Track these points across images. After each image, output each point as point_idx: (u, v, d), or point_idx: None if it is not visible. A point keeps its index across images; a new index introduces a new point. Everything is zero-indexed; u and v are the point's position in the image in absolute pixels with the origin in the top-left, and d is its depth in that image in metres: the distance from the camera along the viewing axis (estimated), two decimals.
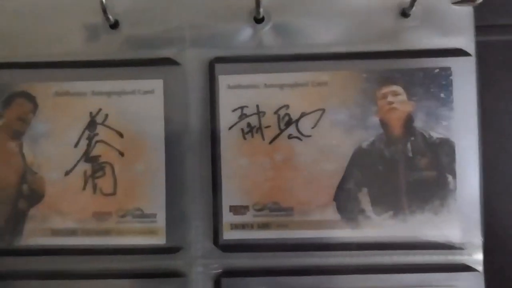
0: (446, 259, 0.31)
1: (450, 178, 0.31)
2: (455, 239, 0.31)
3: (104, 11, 0.30)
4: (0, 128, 0.32)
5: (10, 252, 0.31)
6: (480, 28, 0.32)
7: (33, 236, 0.31)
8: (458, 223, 0.31)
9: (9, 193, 0.32)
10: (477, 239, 0.31)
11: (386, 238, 0.31)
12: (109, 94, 0.32)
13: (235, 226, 0.31)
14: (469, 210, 0.31)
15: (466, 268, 0.31)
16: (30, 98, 0.32)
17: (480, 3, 0.31)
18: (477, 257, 0.31)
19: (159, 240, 0.31)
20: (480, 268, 0.31)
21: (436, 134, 0.31)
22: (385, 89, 0.31)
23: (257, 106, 0.32)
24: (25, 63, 0.32)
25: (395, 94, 0.31)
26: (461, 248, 0.31)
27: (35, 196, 0.32)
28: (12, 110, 0.32)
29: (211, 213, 0.31)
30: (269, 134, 0.32)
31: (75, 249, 0.31)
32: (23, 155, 0.32)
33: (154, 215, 0.31)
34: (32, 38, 0.32)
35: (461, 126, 0.31)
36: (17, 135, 0.32)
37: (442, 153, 0.31)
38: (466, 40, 0.31)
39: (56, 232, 0.31)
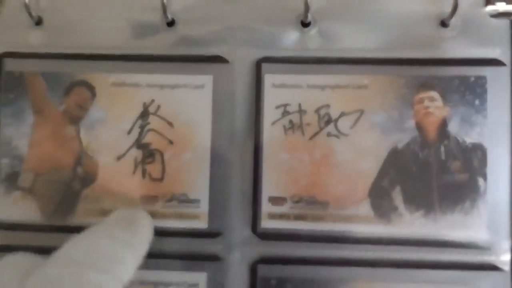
0: (473, 259, 0.32)
1: (481, 181, 0.32)
2: (483, 239, 0.32)
3: (164, 11, 0.33)
4: (60, 113, 0.34)
5: (63, 229, 0.34)
6: None
7: (84, 215, 0.34)
8: (487, 224, 0.32)
9: (65, 174, 0.34)
10: (505, 240, 0.32)
11: (417, 236, 0.32)
12: (162, 86, 0.34)
13: (272, 216, 0.33)
14: (498, 213, 0.32)
15: (493, 267, 0.32)
16: (89, 87, 0.34)
17: None
18: (504, 258, 0.32)
19: (201, 224, 0.33)
20: (506, 268, 0.32)
21: (469, 139, 0.33)
22: (422, 94, 0.33)
23: (299, 104, 0.34)
24: (86, 55, 0.34)
25: (432, 99, 0.33)
26: (488, 249, 0.32)
27: (89, 178, 0.34)
28: (72, 98, 0.34)
29: (251, 202, 0.33)
30: (309, 131, 0.34)
31: None
32: (79, 140, 0.34)
33: (198, 201, 0.33)
34: (93, 31, 0.35)
35: (494, 132, 0.32)
36: (76, 121, 0.34)
37: (474, 157, 0.32)
38: (502, 51, 0.33)
39: (106, 213, 0.34)
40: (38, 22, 0.35)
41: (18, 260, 0.27)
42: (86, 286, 0.24)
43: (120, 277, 0.26)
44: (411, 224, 0.32)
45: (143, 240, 0.29)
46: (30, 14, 0.34)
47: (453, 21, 0.33)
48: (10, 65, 0.34)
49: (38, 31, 0.35)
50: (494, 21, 0.33)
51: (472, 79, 0.33)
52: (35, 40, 0.35)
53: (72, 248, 0.26)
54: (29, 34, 0.35)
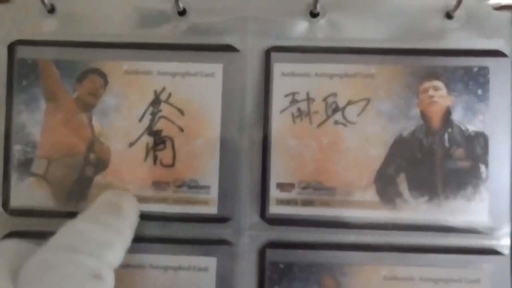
0: (475, 243, 0.34)
1: (483, 168, 0.33)
2: (484, 224, 0.33)
3: (176, 0, 0.33)
4: (73, 101, 0.35)
5: (76, 214, 0.34)
6: None
7: None
8: (488, 210, 0.33)
9: (77, 160, 0.35)
10: (506, 225, 0.33)
11: (421, 221, 0.33)
12: (173, 74, 0.35)
13: (281, 202, 0.34)
14: (499, 199, 0.33)
15: (493, 251, 0.33)
16: (102, 75, 0.35)
17: None
18: (504, 242, 0.33)
19: (211, 210, 0.34)
20: (507, 252, 0.33)
21: (472, 127, 0.34)
22: (427, 84, 0.34)
23: (307, 93, 0.34)
24: (98, 43, 0.35)
25: (436, 88, 0.34)
26: (490, 233, 0.33)
27: (101, 165, 0.35)
28: (85, 85, 0.35)
29: (259, 188, 0.34)
30: (317, 119, 0.34)
31: None
32: (92, 127, 0.35)
33: (208, 187, 0.34)
34: (105, 19, 0.35)
35: (495, 120, 0.33)
36: (88, 108, 0.35)
37: (476, 145, 0.34)
38: (504, 43, 0.34)
39: None
40: (51, 10, 0.35)
41: (11, 247, 0.28)
42: (80, 271, 0.25)
43: (111, 262, 0.27)
44: (415, 209, 0.34)
45: (129, 225, 0.30)
46: (43, 1, 0.34)
47: (458, 13, 0.34)
48: (23, 52, 0.35)
49: (51, 18, 0.35)
50: (497, 13, 0.34)
51: (475, 69, 0.34)
52: (48, 28, 0.35)
53: (64, 234, 0.28)
54: (42, 21, 0.35)
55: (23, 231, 0.34)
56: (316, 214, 0.34)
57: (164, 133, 0.35)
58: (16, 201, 0.35)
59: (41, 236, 0.34)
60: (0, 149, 0.35)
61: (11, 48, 0.35)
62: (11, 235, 0.34)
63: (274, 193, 0.34)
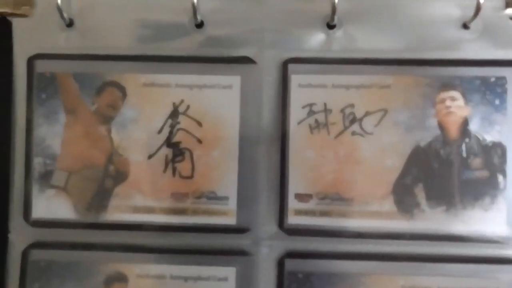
0: (493, 253, 0.34)
1: (500, 178, 0.33)
2: (502, 234, 0.33)
3: (194, 13, 0.34)
4: (92, 113, 0.35)
5: (96, 225, 0.35)
6: None
7: (116, 212, 0.35)
8: (506, 220, 0.33)
9: (97, 172, 0.35)
10: None
11: (438, 231, 0.34)
12: (191, 87, 0.35)
13: (299, 212, 0.34)
14: None
15: (511, 261, 0.33)
16: (120, 87, 0.35)
17: None
18: None
19: (230, 221, 0.35)
20: None
21: (489, 137, 0.34)
22: (444, 94, 0.34)
23: (325, 104, 0.35)
24: (116, 56, 0.35)
25: (453, 99, 0.34)
26: (507, 243, 0.33)
27: (120, 176, 0.35)
28: (104, 98, 0.35)
29: (278, 199, 0.34)
30: (334, 130, 0.35)
31: (154, 226, 0.35)
32: (111, 139, 0.35)
33: (227, 198, 0.35)
34: (123, 33, 0.35)
35: None
36: (107, 120, 0.35)
37: (494, 155, 0.34)
38: None
39: (137, 210, 0.35)
40: (70, 24, 0.35)
41: None
42: None
43: None
44: (433, 219, 0.34)
45: None
46: (61, 15, 0.34)
47: (475, 24, 0.34)
48: (42, 66, 0.35)
49: (69, 32, 0.35)
50: None
51: (493, 79, 0.34)
52: (66, 42, 0.35)
53: None
54: (60, 35, 0.35)
55: (45, 241, 0.35)
56: (334, 225, 0.34)
57: (182, 145, 0.35)
58: (37, 212, 0.35)
59: (62, 246, 0.35)
60: (21, 162, 0.35)
61: (30, 62, 0.35)
62: (34, 246, 0.35)
63: (292, 203, 0.34)
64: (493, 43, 0.34)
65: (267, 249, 0.35)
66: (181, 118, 0.35)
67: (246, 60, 0.35)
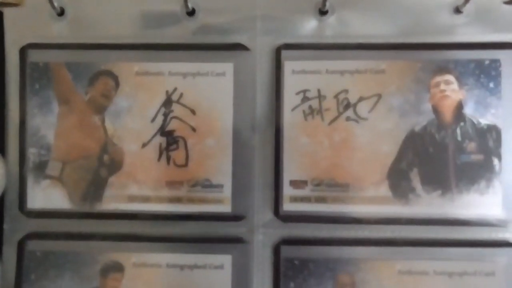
0: (489, 236, 0.34)
1: (496, 161, 0.33)
2: (498, 217, 0.33)
3: (185, 0, 0.33)
4: (85, 103, 0.35)
5: (91, 215, 0.35)
6: None
7: (111, 201, 0.35)
8: (502, 203, 0.33)
9: (91, 162, 0.35)
10: None
11: (434, 215, 0.34)
12: (184, 75, 0.35)
13: (294, 199, 0.34)
14: None
15: (507, 244, 0.33)
16: (113, 76, 0.35)
17: None
18: None
19: (225, 208, 0.35)
20: None
21: (484, 120, 0.34)
22: (438, 78, 0.34)
23: (319, 90, 0.35)
24: (109, 45, 0.35)
25: (448, 83, 0.34)
26: (503, 226, 0.33)
27: (115, 166, 0.35)
28: (97, 87, 0.35)
29: (273, 186, 0.34)
30: (328, 116, 0.34)
31: (149, 214, 0.35)
32: (105, 128, 0.35)
33: (222, 186, 0.35)
34: (115, 22, 0.35)
35: (508, 113, 0.33)
36: (101, 110, 0.35)
37: (489, 138, 0.34)
38: None
39: (132, 199, 0.35)
40: (61, 13, 0.35)
41: None
42: None
43: None
44: (428, 204, 0.34)
45: None
46: (52, 5, 0.34)
47: (467, 8, 0.34)
48: (34, 56, 0.35)
49: (60, 22, 0.35)
50: (507, 7, 0.34)
51: (487, 62, 0.34)
52: (58, 31, 0.35)
53: None
54: (52, 25, 0.35)
55: (40, 232, 0.35)
56: (330, 211, 0.34)
57: (176, 133, 0.35)
58: (32, 203, 0.35)
59: (58, 236, 0.35)
60: (15, 152, 0.35)
61: (23, 51, 0.35)
62: (29, 236, 0.35)
63: (287, 190, 0.34)
64: (486, 27, 0.34)
65: (263, 237, 0.35)
66: (174, 107, 0.35)
67: (239, 47, 0.35)
